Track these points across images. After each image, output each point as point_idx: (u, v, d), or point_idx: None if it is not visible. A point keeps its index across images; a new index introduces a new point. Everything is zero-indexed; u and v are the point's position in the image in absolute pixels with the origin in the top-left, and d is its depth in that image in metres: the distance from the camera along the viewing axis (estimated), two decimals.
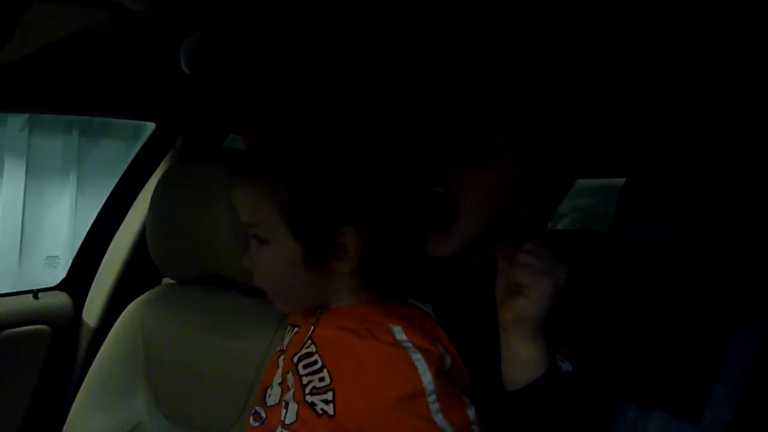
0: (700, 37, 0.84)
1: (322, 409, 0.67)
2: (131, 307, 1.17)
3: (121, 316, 1.17)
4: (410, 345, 0.66)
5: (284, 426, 0.70)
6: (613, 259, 0.88)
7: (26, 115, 3.97)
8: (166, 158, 1.40)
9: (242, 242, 1.00)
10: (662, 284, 0.82)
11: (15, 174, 4.04)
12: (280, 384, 0.76)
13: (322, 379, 0.68)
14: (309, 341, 0.73)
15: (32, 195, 4.12)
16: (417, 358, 0.65)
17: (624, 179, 0.87)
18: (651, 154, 1.23)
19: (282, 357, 0.78)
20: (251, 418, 0.79)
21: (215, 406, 1.02)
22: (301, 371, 0.71)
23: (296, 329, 0.78)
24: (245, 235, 1.00)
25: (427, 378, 0.64)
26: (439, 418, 0.64)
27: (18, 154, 4.05)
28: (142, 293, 1.18)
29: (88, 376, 1.17)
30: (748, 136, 0.87)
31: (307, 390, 0.69)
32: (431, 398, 0.64)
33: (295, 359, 0.72)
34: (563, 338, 0.77)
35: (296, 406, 0.70)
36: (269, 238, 0.70)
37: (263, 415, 0.77)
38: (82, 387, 1.17)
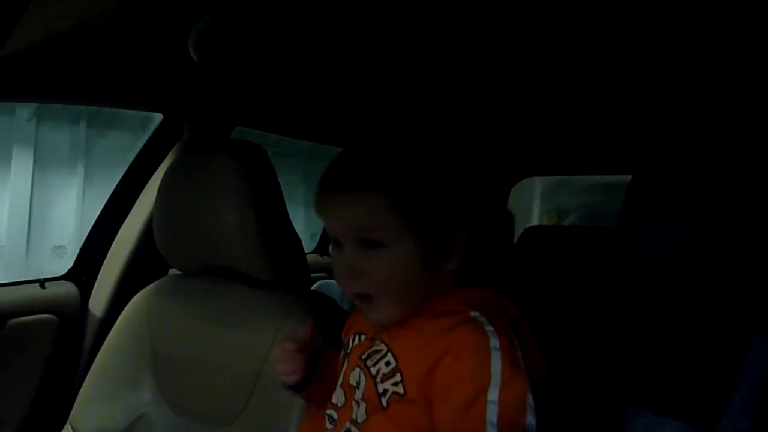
0: (704, 38, 0.84)
1: (394, 392, 0.69)
2: (137, 297, 1.17)
3: (128, 306, 1.17)
4: (488, 326, 0.67)
5: (356, 424, 0.73)
6: (622, 258, 0.87)
7: (34, 106, 3.98)
8: (174, 149, 1.40)
9: (252, 235, 1.01)
10: (675, 286, 0.81)
11: (23, 164, 4.06)
12: (341, 385, 0.79)
13: (388, 363, 0.71)
14: (379, 341, 0.76)
15: (40, 185, 4.14)
16: (492, 338, 0.66)
17: (630, 176, 0.87)
18: (659, 150, 1.22)
19: (346, 360, 0.81)
20: (326, 421, 0.80)
21: (220, 396, 1.02)
22: (369, 364, 0.74)
23: (363, 336, 0.81)
24: (251, 228, 1.01)
25: (497, 360, 0.64)
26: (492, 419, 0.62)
27: (26, 145, 4.07)
28: (149, 284, 1.18)
29: (93, 365, 1.18)
30: (761, 135, 0.86)
31: (378, 379, 0.71)
32: (492, 394, 0.63)
33: (363, 356, 0.76)
34: (570, 339, 0.76)
35: (365, 405, 0.73)
36: (389, 242, 0.70)
37: (335, 417, 0.79)
38: (87, 376, 1.18)
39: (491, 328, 0.67)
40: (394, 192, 0.70)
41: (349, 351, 0.81)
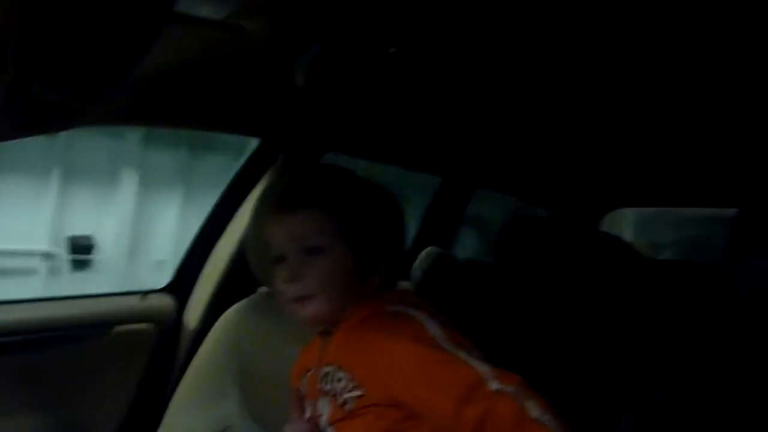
0: None
1: (355, 397, 0.77)
2: (229, 312, 1.22)
3: (219, 320, 1.23)
4: (411, 310, 0.80)
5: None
6: (724, 295, 0.82)
7: (142, 130, 4.29)
8: (268, 173, 1.46)
9: None
10: None
11: (129, 184, 4.37)
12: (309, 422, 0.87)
13: (340, 379, 0.80)
14: (324, 366, 0.85)
15: (143, 204, 4.43)
16: (419, 315, 0.78)
17: (732, 209, 0.82)
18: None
19: (307, 402, 0.89)
20: None
21: None
22: (326, 388, 0.82)
23: (309, 372, 0.90)
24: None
25: (432, 326, 0.76)
26: (449, 345, 0.73)
27: (133, 166, 4.37)
28: (240, 300, 1.23)
29: (186, 375, 1.24)
30: None
31: (338, 396, 0.79)
32: (439, 335, 0.75)
33: (319, 386, 0.85)
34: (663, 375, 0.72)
35: (331, 426, 0.81)
36: (327, 248, 0.84)
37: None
38: (179, 385, 1.23)
39: (414, 311, 0.79)
40: (333, 208, 0.85)
41: (305, 391, 0.89)
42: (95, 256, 4.23)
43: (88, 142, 4.15)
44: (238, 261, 1.42)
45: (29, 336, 1.27)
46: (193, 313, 1.48)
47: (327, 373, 0.83)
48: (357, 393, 0.77)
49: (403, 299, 0.85)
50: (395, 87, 1.01)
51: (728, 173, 1.63)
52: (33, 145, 3.92)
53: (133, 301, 1.45)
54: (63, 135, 3.99)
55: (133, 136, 4.34)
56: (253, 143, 1.49)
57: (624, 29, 0.76)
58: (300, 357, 0.97)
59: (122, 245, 4.30)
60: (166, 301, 1.50)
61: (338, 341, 0.84)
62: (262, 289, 1.28)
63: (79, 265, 4.16)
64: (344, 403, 0.78)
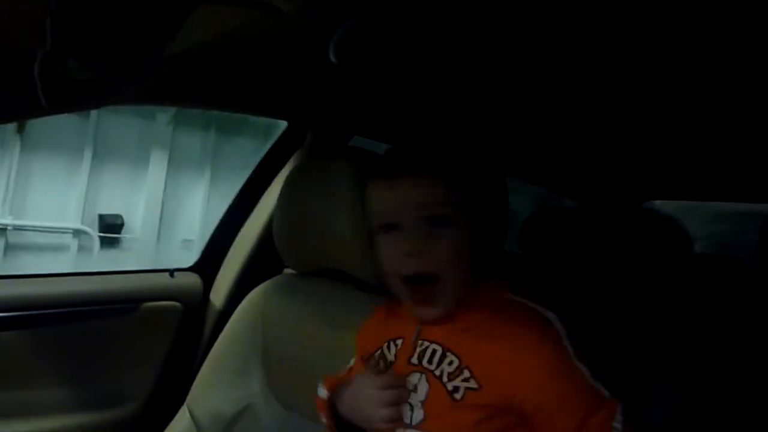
0: None
1: (467, 388, 0.69)
2: (254, 293, 1.23)
3: (244, 300, 1.24)
4: (537, 306, 0.72)
5: (411, 427, 0.73)
6: (758, 290, 0.80)
7: (172, 112, 4.35)
8: (295, 155, 1.47)
9: (364, 240, 1.04)
10: None
11: (159, 165, 4.44)
12: None
13: (451, 363, 0.72)
14: (424, 341, 0.76)
15: (172, 184, 4.49)
16: (548, 314, 0.71)
17: (765, 205, 0.80)
18: None
19: (390, 367, 0.80)
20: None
21: None
22: (428, 366, 0.74)
23: (399, 341, 0.81)
24: (363, 233, 1.03)
25: (562, 331, 0.69)
26: (577, 359, 0.68)
27: (163, 147, 4.44)
28: (265, 280, 1.24)
29: (210, 353, 1.25)
30: None
31: (444, 378, 0.71)
32: (568, 344, 0.68)
33: (414, 359, 0.76)
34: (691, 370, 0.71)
35: (424, 407, 0.73)
36: (455, 220, 0.73)
37: None
38: (205, 362, 1.25)
39: (542, 308, 0.72)
40: (458, 175, 0.73)
41: (391, 359, 0.80)
42: (124, 235, 4.31)
43: (119, 123, 4.22)
44: (265, 242, 1.43)
45: (60, 309, 1.31)
46: (218, 293, 1.50)
47: (433, 351, 0.74)
48: (472, 385, 0.70)
49: (519, 288, 0.77)
50: (427, 68, 1.00)
51: (763, 168, 1.59)
52: (66, 124, 4.00)
53: (161, 279, 1.47)
54: (95, 115, 4.06)
55: (163, 117, 4.40)
56: (282, 126, 1.50)
57: (665, 20, 0.74)
58: (379, 321, 0.88)
59: (151, 224, 4.39)
60: (193, 280, 1.52)
61: (449, 322, 0.75)
62: (288, 270, 1.29)
63: (109, 243, 4.26)
64: (454, 390, 0.71)
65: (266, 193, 1.49)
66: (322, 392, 0.87)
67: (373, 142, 1.63)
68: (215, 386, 1.21)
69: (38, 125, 3.86)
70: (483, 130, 1.47)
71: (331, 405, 0.83)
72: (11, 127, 3.79)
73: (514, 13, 0.73)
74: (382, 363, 0.79)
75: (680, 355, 0.82)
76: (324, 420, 0.86)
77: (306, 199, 1.13)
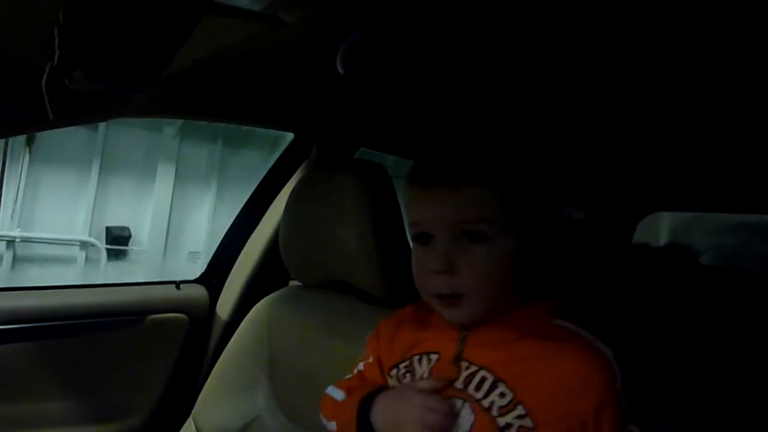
0: None
1: (521, 426, 0.63)
2: (260, 305, 1.23)
3: (250, 312, 1.24)
4: (592, 337, 0.66)
5: None
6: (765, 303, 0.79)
7: (179, 124, 4.38)
8: (301, 167, 1.47)
9: (370, 252, 1.03)
10: None
11: (166, 177, 4.46)
12: None
13: (503, 395, 0.65)
14: (470, 365, 0.69)
15: (179, 197, 4.52)
16: (604, 349, 0.66)
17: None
18: None
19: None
20: None
21: None
22: (476, 395, 0.67)
23: (434, 356, 0.73)
24: (369, 245, 1.03)
25: (618, 371, 0.64)
26: (624, 407, 0.64)
27: (169, 160, 4.47)
28: (271, 292, 1.24)
29: (216, 366, 1.25)
30: None
31: (494, 412, 0.65)
32: (620, 385, 0.64)
33: (459, 384, 0.69)
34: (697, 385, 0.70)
35: None
36: (493, 236, 0.67)
37: None
38: (211, 375, 1.25)
39: (596, 341, 0.66)
40: (502, 185, 0.67)
41: (425, 374, 0.72)
42: (131, 247, 4.33)
43: (127, 136, 4.25)
44: (271, 254, 1.43)
45: (66, 321, 1.31)
46: (225, 305, 1.50)
47: (482, 379, 0.67)
48: (527, 424, 0.63)
49: (567, 314, 0.70)
50: (432, 80, 1.00)
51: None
52: (74, 137, 4.04)
53: (167, 291, 1.47)
54: (102, 128, 4.10)
55: (170, 130, 4.44)
56: (288, 138, 1.50)
57: (671, 29, 0.74)
58: (403, 323, 0.80)
59: (158, 237, 4.40)
60: (199, 292, 1.52)
61: (494, 345, 0.69)
62: (294, 282, 1.29)
63: (116, 255, 4.27)
64: (506, 426, 0.64)
65: (272, 206, 1.49)
66: (339, 394, 0.82)
67: (379, 154, 1.64)
68: (221, 399, 1.20)
69: (47, 138, 3.90)
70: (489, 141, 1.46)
71: (362, 409, 0.75)
72: (21, 140, 3.82)
73: (521, 26, 0.73)
74: (444, 381, 0.70)
75: (687, 389, 0.81)
76: (325, 421, 0.82)
77: (312, 212, 1.13)
